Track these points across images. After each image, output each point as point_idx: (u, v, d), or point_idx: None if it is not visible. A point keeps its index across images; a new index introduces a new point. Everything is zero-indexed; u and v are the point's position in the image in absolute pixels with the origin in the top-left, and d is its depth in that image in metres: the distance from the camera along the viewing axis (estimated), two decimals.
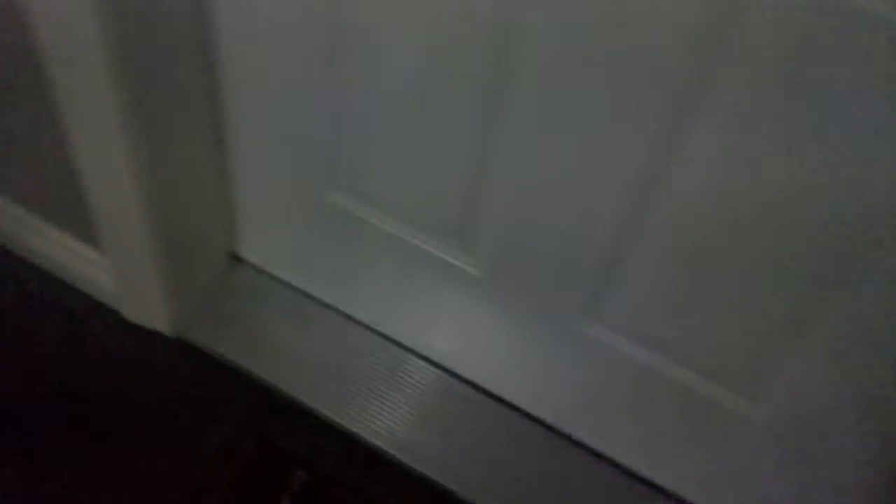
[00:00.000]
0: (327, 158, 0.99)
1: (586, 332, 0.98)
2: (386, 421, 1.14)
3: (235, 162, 1.07)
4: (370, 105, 0.88)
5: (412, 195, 0.97)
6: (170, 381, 1.15)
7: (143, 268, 1.06)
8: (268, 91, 0.94)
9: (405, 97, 0.85)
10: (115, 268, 1.09)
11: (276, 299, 1.23)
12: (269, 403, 1.15)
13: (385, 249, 1.07)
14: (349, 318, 1.22)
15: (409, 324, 1.17)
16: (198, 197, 1.08)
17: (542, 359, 1.06)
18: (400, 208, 1.00)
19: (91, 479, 1.06)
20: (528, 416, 1.14)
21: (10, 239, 1.22)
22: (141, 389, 1.14)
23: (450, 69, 0.79)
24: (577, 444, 1.13)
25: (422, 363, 1.19)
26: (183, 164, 0.99)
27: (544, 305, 0.98)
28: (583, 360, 1.01)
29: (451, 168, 0.90)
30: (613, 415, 1.05)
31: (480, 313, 1.06)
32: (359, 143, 0.94)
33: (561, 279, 0.94)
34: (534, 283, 0.97)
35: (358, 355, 1.19)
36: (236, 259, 1.26)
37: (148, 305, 1.13)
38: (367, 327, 1.21)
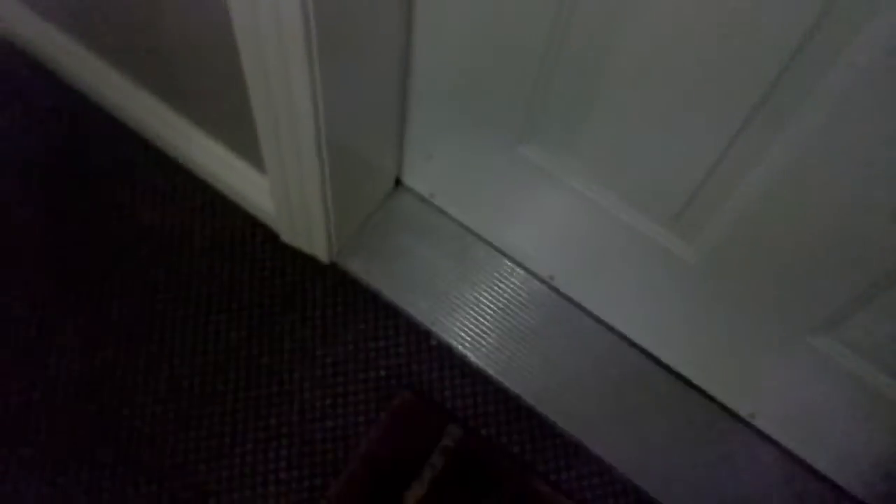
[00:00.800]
0: (533, 113, 0.84)
1: (811, 343, 0.85)
2: (548, 382, 1.06)
3: (420, 89, 0.93)
4: (612, 72, 0.72)
5: (635, 174, 0.82)
6: (322, 311, 1.09)
7: (306, 193, 0.97)
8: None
9: (667, 81, 0.68)
10: (278, 191, 1.00)
11: (439, 235, 1.13)
12: (425, 346, 1.08)
13: (579, 212, 0.94)
14: (517, 264, 1.11)
15: (595, 292, 1.06)
16: (373, 123, 0.96)
17: (753, 359, 0.93)
18: (614, 181, 0.86)
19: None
20: (723, 406, 1.04)
21: (181, 153, 1.15)
22: (287, 317, 1.09)
23: (734, 68, 0.62)
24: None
25: (609, 335, 1.08)
26: (363, 87, 0.87)
27: (768, 309, 0.84)
28: (805, 371, 0.88)
29: (696, 161, 0.74)
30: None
31: (686, 300, 0.93)
32: (580, 107, 0.79)
33: (793, 288, 0.79)
34: (761, 285, 0.82)
35: (525, 308, 1.10)
36: (399, 184, 1.15)
37: (307, 231, 1.06)
38: (542, 280, 1.10)
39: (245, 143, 1.01)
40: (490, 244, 1.12)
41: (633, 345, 1.07)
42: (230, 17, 0.74)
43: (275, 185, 0.98)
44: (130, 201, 1.15)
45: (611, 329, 1.08)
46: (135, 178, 1.17)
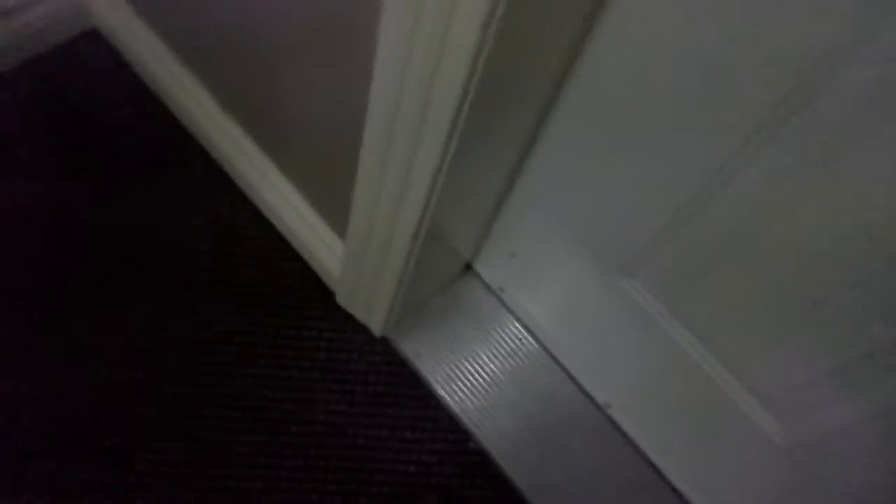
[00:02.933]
0: (646, 253, 0.79)
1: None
2: None
3: (527, 192, 0.88)
4: (740, 258, 0.67)
5: (739, 347, 0.77)
6: (363, 387, 1.03)
7: (383, 270, 0.92)
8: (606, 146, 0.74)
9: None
10: (352, 260, 0.94)
11: (499, 331, 1.07)
12: (461, 448, 1.01)
13: (662, 356, 0.87)
14: (574, 382, 1.05)
15: (651, 430, 1.00)
16: (472, 215, 0.91)
17: None
18: (721, 350, 0.80)
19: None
20: None
21: (257, 189, 1.09)
22: (326, 385, 1.02)
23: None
24: None
25: (658, 481, 1.02)
26: (475, 180, 0.81)
27: None
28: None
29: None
30: None
31: (770, 477, 0.87)
32: (696, 270, 0.74)
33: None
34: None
35: (573, 430, 1.03)
36: (469, 269, 1.10)
37: (367, 302, 1.00)
38: (597, 405, 1.04)
39: (330, 204, 0.96)
40: (551, 354, 1.06)
41: (676, 492, 1.01)
42: (370, 84, 0.68)
43: (351, 254, 0.93)
44: (188, 225, 1.09)
45: (657, 471, 1.02)
46: (202, 202, 1.11)
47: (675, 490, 1.01)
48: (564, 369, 1.06)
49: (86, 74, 1.17)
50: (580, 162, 0.79)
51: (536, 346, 1.07)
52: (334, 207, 0.95)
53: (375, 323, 1.03)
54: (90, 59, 1.18)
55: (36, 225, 1.04)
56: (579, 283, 0.94)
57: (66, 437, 0.93)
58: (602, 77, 0.68)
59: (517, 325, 1.08)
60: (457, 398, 1.03)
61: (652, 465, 1.02)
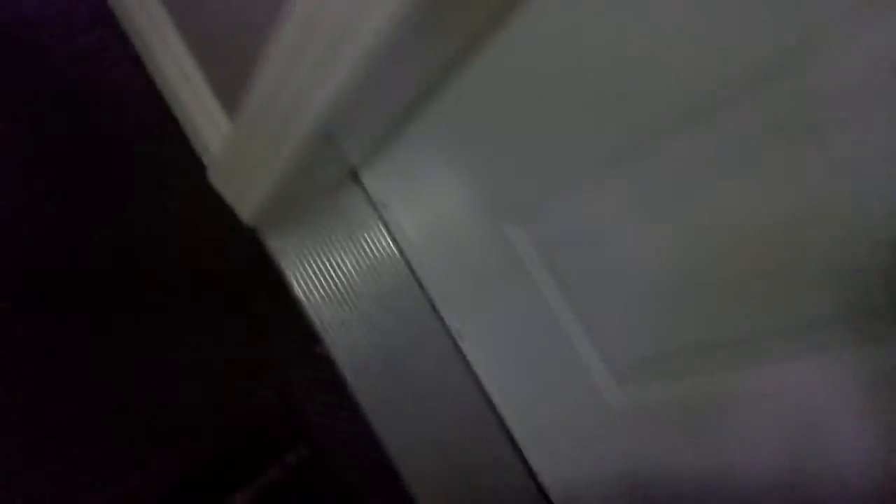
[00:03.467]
0: (533, 204, 0.80)
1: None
2: (418, 438, 1.02)
3: (434, 120, 0.86)
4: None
5: (609, 318, 0.80)
6: (220, 274, 0.99)
7: (266, 161, 0.87)
8: None
9: None
10: (237, 144, 0.88)
11: (371, 246, 1.06)
12: (308, 352, 1.01)
13: (531, 316, 0.90)
14: (432, 306, 1.06)
15: (495, 367, 1.03)
16: (369, 127, 0.87)
17: None
18: (582, 311, 0.83)
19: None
20: None
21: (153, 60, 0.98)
22: (182, 268, 0.98)
23: None
24: None
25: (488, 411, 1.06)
26: (386, 95, 0.78)
27: None
28: None
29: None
30: None
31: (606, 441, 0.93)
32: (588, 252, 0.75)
33: None
34: None
35: (422, 356, 1.05)
36: (355, 178, 1.07)
37: (242, 189, 0.95)
38: (448, 332, 1.06)
39: (224, 78, 0.89)
40: (416, 278, 1.06)
41: (512, 440, 1.06)
42: None
43: (238, 137, 0.87)
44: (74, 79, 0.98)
45: (497, 416, 1.06)
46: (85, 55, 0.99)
47: (511, 438, 1.06)
48: (426, 293, 1.07)
49: None
50: (489, 108, 0.78)
51: (404, 266, 1.07)
52: (229, 81, 0.88)
53: (245, 211, 0.98)
54: None
55: None
56: (463, 217, 0.93)
57: None
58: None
59: (390, 243, 1.07)
60: (314, 301, 1.02)
61: (492, 407, 1.06)
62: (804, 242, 0.61)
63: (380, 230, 1.06)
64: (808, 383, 0.67)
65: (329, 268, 1.03)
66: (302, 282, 1.02)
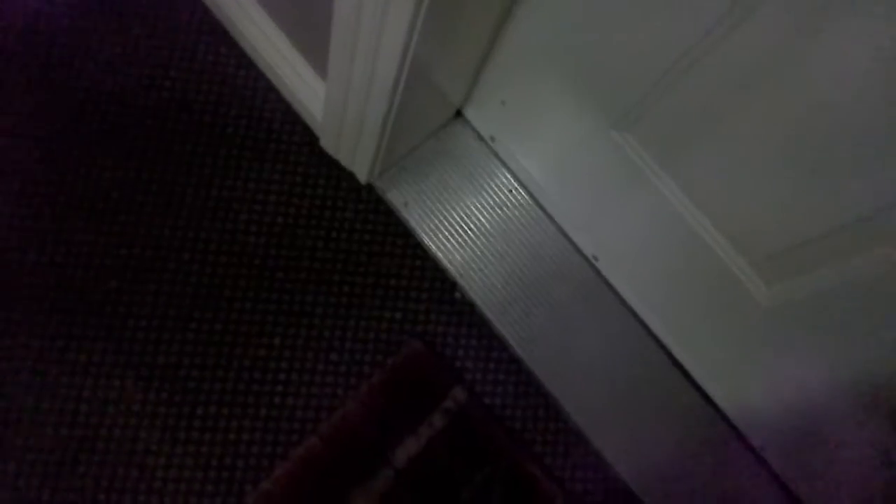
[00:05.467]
0: (643, 108, 0.74)
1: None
2: (567, 364, 1.01)
3: (520, 40, 0.82)
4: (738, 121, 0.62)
5: (735, 208, 0.74)
6: (349, 234, 1.01)
7: (366, 114, 0.87)
8: None
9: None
10: (334, 103, 0.89)
11: (490, 182, 1.04)
12: (448, 298, 1.02)
13: (653, 212, 0.85)
14: (564, 235, 1.03)
15: (637, 284, 0.99)
16: (460, 58, 0.85)
17: None
18: (708, 205, 0.77)
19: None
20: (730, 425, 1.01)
21: (237, 26, 1.02)
22: (311, 232, 1.01)
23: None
24: None
25: (639, 330, 1.03)
26: (464, 20, 0.76)
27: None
28: None
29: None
30: None
31: (752, 336, 0.87)
32: (691, 128, 0.69)
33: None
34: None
35: (561, 282, 1.03)
36: (459, 116, 1.05)
37: (352, 147, 0.96)
38: (585, 257, 1.03)
39: (309, 41, 0.90)
40: (541, 206, 1.04)
41: (661, 346, 1.02)
42: None
43: (332, 96, 0.88)
44: (169, 63, 1.03)
45: (643, 325, 1.02)
46: (179, 40, 1.04)
47: (660, 343, 1.02)
48: (554, 221, 1.04)
49: None
50: (574, 13, 0.73)
51: (526, 196, 1.04)
52: (314, 45, 0.89)
53: (361, 169, 1.00)
54: None
55: None
56: (571, 135, 0.89)
57: None
58: None
59: (507, 175, 1.04)
60: (444, 249, 1.02)
61: (638, 319, 1.02)
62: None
63: (496, 165, 1.04)
64: None
65: (453, 212, 1.03)
66: (429, 230, 1.02)
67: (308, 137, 1.03)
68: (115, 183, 0.97)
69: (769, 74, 0.60)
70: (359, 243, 1.01)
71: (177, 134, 1.00)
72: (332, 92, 0.87)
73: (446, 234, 1.02)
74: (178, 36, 1.03)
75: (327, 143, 1.01)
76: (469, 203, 1.03)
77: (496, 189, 1.04)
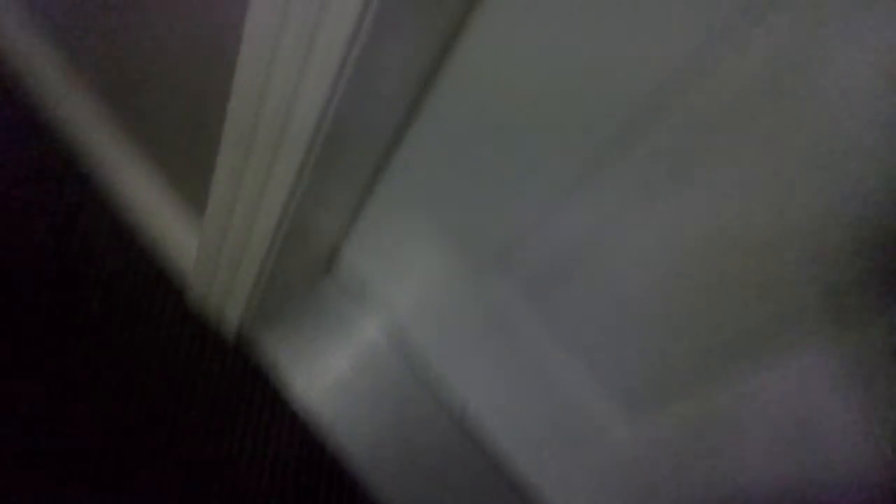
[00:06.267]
0: (505, 251, 0.81)
1: None
2: None
3: (392, 189, 0.88)
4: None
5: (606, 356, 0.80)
6: (217, 394, 0.98)
7: (244, 258, 0.88)
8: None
9: None
10: (208, 246, 0.89)
11: (358, 333, 1.06)
12: (316, 455, 0.98)
13: (529, 370, 0.89)
14: (431, 380, 1.05)
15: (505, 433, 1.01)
16: (337, 211, 0.89)
17: None
18: (580, 353, 0.83)
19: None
20: None
21: (101, 158, 1.01)
22: (178, 397, 0.96)
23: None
24: None
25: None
26: (344, 176, 0.81)
27: None
28: None
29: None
30: None
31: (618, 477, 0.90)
32: (563, 274, 0.76)
33: None
34: None
35: (427, 429, 1.03)
36: (329, 271, 1.07)
37: (222, 295, 0.95)
38: (451, 403, 1.04)
39: (186, 177, 0.90)
40: (409, 351, 1.05)
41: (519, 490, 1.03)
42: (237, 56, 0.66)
43: (209, 239, 0.88)
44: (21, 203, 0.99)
45: (509, 472, 1.03)
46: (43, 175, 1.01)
47: (520, 489, 1.03)
48: (424, 367, 1.05)
49: None
50: (444, 160, 0.80)
51: (394, 349, 1.06)
52: (194, 192, 0.90)
53: (229, 323, 0.98)
54: None
55: None
56: (439, 279, 0.94)
57: None
58: (464, 83, 0.69)
59: (378, 323, 1.06)
60: (313, 403, 1.00)
61: (502, 465, 1.03)
62: (781, 236, 0.62)
63: (367, 314, 1.06)
64: (800, 376, 0.67)
65: (322, 364, 1.02)
66: (297, 387, 1.00)
67: (174, 295, 1.01)
68: None
69: (624, 231, 0.68)
70: (224, 404, 0.97)
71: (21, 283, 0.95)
72: (208, 234, 0.87)
73: (315, 387, 1.01)
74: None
75: (196, 294, 0.99)
76: (339, 353, 1.03)
77: (366, 337, 1.05)
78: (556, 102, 0.66)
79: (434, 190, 0.84)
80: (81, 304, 0.96)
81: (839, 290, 0.61)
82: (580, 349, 0.85)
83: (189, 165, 0.88)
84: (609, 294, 0.77)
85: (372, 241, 0.98)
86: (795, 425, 0.71)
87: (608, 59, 0.60)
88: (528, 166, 0.73)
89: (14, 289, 0.94)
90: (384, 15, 0.55)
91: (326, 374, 1.02)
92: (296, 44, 0.59)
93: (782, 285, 0.64)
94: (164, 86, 0.83)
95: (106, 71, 0.90)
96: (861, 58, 0.49)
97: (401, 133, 0.81)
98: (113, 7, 0.80)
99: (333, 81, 0.60)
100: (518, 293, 0.85)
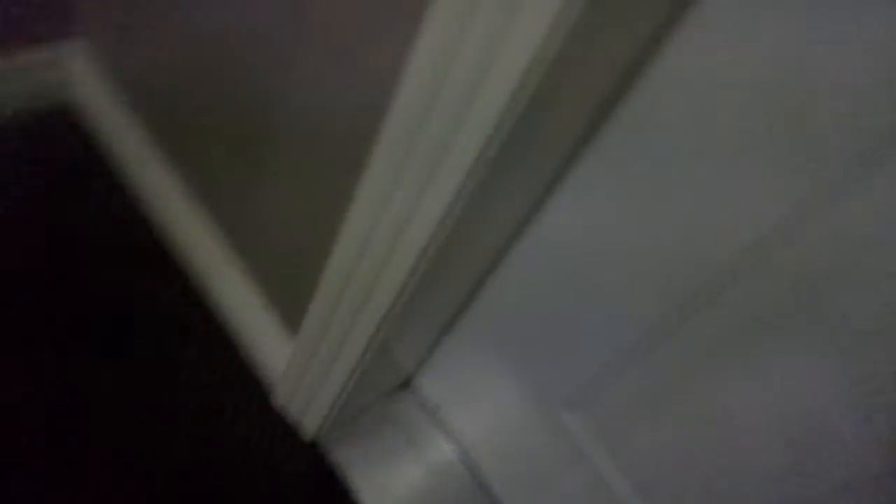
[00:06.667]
0: (587, 386, 0.83)
1: None
2: None
3: (476, 323, 0.92)
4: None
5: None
6: (293, 490, 1.01)
7: (332, 371, 0.93)
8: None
9: None
10: (301, 358, 0.95)
11: (430, 450, 1.08)
12: None
13: (592, 495, 0.90)
14: (489, 497, 1.06)
15: None
16: (424, 333, 0.94)
17: None
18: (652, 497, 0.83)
19: None
20: None
21: (205, 271, 1.10)
22: (249, 478, 1.00)
23: None
24: None
25: None
26: (435, 304, 0.86)
27: None
28: None
29: None
30: None
31: None
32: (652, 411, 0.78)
33: None
34: None
35: None
36: (408, 384, 1.11)
37: (307, 401, 1.00)
38: None
39: (286, 298, 0.97)
40: (478, 476, 1.07)
41: None
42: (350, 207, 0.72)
43: (302, 350, 0.93)
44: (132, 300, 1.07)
45: None
46: (147, 280, 1.10)
47: None
48: (492, 495, 1.06)
49: (48, 144, 1.17)
50: (529, 299, 0.84)
51: (465, 468, 1.08)
52: (289, 304, 0.96)
53: (309, 426, 1.03)
54: (55, 131, 1.19)
55: None
56: (516, 409, 0.96)
57: None
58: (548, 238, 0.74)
59: (449, 444, 1.09)
60: None
61: None
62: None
63: (439, 434, 1.09)
64: None
65: (393, 477, 1.05)
66: (368, 493, 1.03)
67: (259, 395, 1.06)
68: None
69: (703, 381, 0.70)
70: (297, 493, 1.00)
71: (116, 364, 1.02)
72: (302, 347, 0.93)
73: (386, 498, 1.03)
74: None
75: (282, 396, 1.04)
76: (410, 468, 1.06)
77: (438, 457, 1.07)
78: (641, 261, 0.70)
79: (511, 331, 0.88)
80: (171, 397, 1.02)
81: None
82: (654, 494, 0.85)
83: (288, 287, 0.95)
84: (683, 441, 0.78)
85: (449, 369, 1.02)
86: None
87: (695, 227, 0.64)
88: (609, 318, 0.76)
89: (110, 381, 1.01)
90: (491, 184, 0.61)
91: (397, 485, 1.04)
92: (403, 204, 0.65)
93: None
94: (277, 218, 0.91)
95: (225, 197, 0.99)
96: None
97: (485, 277, 0.86)
98: (238, 138, 0.89)
99: (433, 235, 0.65)
100: (592, 433, 0.87)
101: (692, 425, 0.76)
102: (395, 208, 0.67)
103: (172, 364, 1.05)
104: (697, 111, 0.59)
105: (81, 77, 1.16)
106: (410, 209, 0.65)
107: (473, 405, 1.04)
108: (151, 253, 1.13)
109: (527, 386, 0.92)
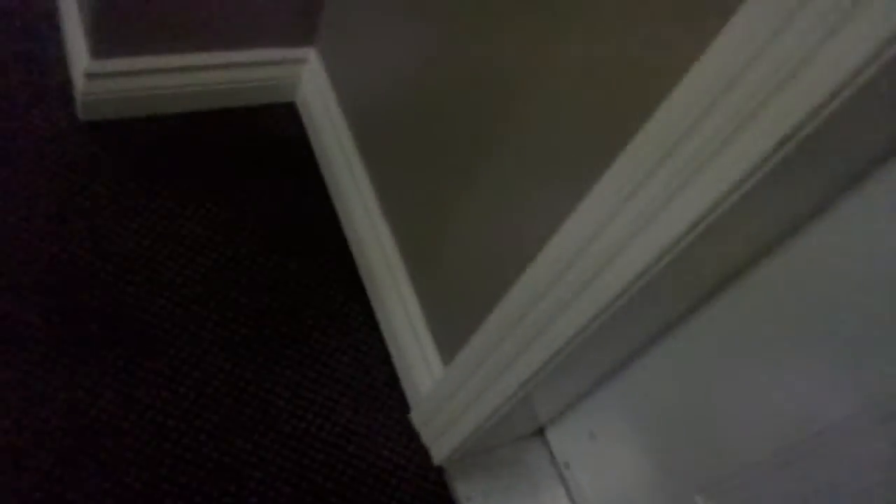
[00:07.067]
0: (734, 475, 0.80)
1: None
2: None
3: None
4: None
5: None
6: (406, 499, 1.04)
7: (474, 406, 0.96)
8: None
9: None
10: (447, 390, 0.98)
11: (551, 499, 1.08)
12: None
13: None
14: None
15: None
16: (571, 389, 0.95)
17: None
18: None
19: None
20: None
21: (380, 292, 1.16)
22: (373, 483, 1.04)
23: None
24: None
25: None
26: (583, 367, 0.87)
27: None
28: None
29: None
30: None
31: None
32: None
33: None
34: None
35: None
36: (541, 434, 1.12)
37: (442, 428, 1.03)
38: None
39: (447, 326, 1.01)
40: None
41: None
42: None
43: (451, 379, 0.97)
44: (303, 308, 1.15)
45: None
46: (322, 288, 1.18)
47: None
48: None
49: (267, 132, 1.29)
50: (684, 379, 0.82)
51: None
52: (448, 333, 1.00)
53: (440, 451, 1.05)
54: (277, 122, 1.31)
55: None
56: (651, 487, 0.94)
57: None
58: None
59: (572, 500, 1.08)
60: None
61: None
62: None
63: (563, 492, 1.08)
64: None
65: None
66: None
67: (400, 407, 1.10)
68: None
69: None
70: None
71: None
72: (450, 381, 0.96)
73: None
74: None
75: (419, 417, 1.08)
76: None
77: None
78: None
79: (656, 406, 0.87)
80: (312, 388, 1.08)
81: None
82: None
83: (452, 317, 0.98)
84: None
85: (589, 424, 1.02)
86: None
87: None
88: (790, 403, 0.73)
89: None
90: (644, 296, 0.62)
91: None
92: (591, 265, 0.67)
93: None
94: (458, 253, 0.95)
95: (412, 221, 1.05)
96: None
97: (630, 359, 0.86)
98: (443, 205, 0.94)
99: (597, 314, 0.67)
100: None
101: None
102: (581, 267, 0.68)
103: (324, 356, 1.11)
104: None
105: (309, 80, 1.27)
106: (597, 270, 0.67)
107: (603, 470, 1.03)
108: (331, 246, 1.21)
109: (661, 463, 0.90)
